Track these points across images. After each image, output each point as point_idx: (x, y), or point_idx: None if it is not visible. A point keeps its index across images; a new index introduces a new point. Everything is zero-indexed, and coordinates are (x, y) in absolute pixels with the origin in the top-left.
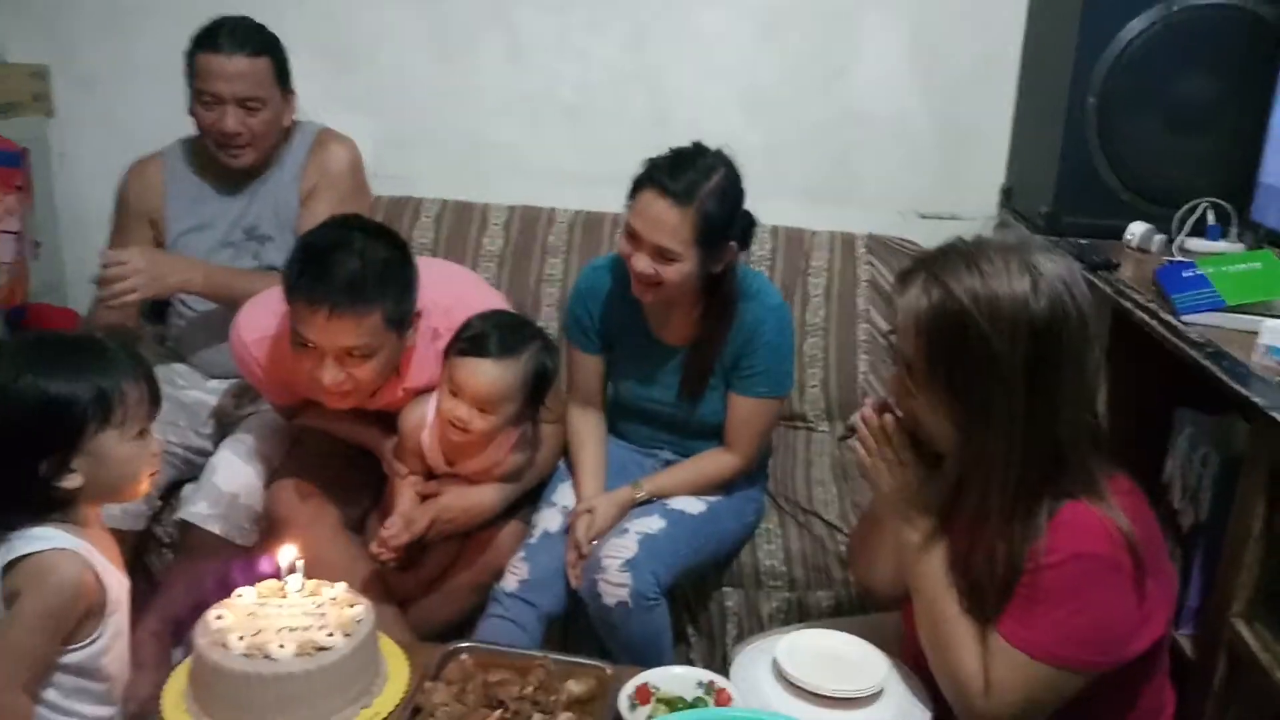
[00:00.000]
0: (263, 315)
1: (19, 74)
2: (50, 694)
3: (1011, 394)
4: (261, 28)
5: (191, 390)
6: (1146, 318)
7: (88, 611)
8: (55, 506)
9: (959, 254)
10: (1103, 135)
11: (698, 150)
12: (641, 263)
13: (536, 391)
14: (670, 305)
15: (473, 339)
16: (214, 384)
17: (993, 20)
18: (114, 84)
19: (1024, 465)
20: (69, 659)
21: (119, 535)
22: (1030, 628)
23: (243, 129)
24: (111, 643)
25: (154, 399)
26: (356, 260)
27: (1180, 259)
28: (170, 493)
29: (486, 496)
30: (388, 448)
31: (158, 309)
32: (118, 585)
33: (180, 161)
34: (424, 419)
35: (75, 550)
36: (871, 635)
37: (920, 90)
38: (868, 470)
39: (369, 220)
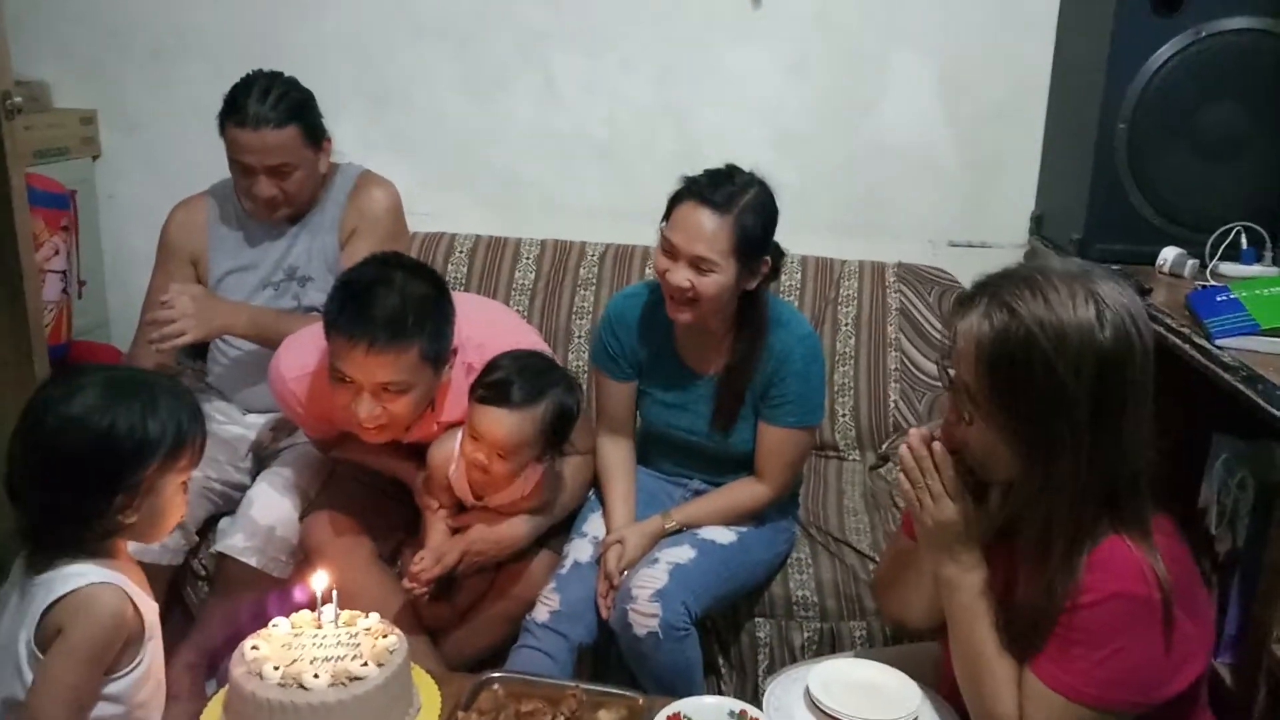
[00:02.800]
0: (302, 352)
1: (69, 119)
2: None
3: (1077, 426)
4: (289, 89)
5: (230, 425)
6: (1180, 342)
7: (128, 641)
8: (94, 544)
9: (1022, 279)
10: (1133, 161)
11: (731, 169)
12: (678, 276)
13: (558, 433)
14: (702, 333)
15: (493, 385)
16: (251, 419)
17: (1021, 51)
18: (158, 127)
19: (1085, 500)
20: (110, 689)
21: (157, 570)
22: (1067, 670)
23: (276, 192)
24: (150, 668)
25: (203, 448)
26: (396, 297)
27: (1214, 284)
28: (207, 527)
29: (516, 529)
30: (420, 481)
31: (198, 347)
32: (152, 610)
33: (224, 203)
34: (451, 454)
35: (113, 583)
36: (905, 665)
37: (949, 121)
38: (912, 501)
39: (408, 258)
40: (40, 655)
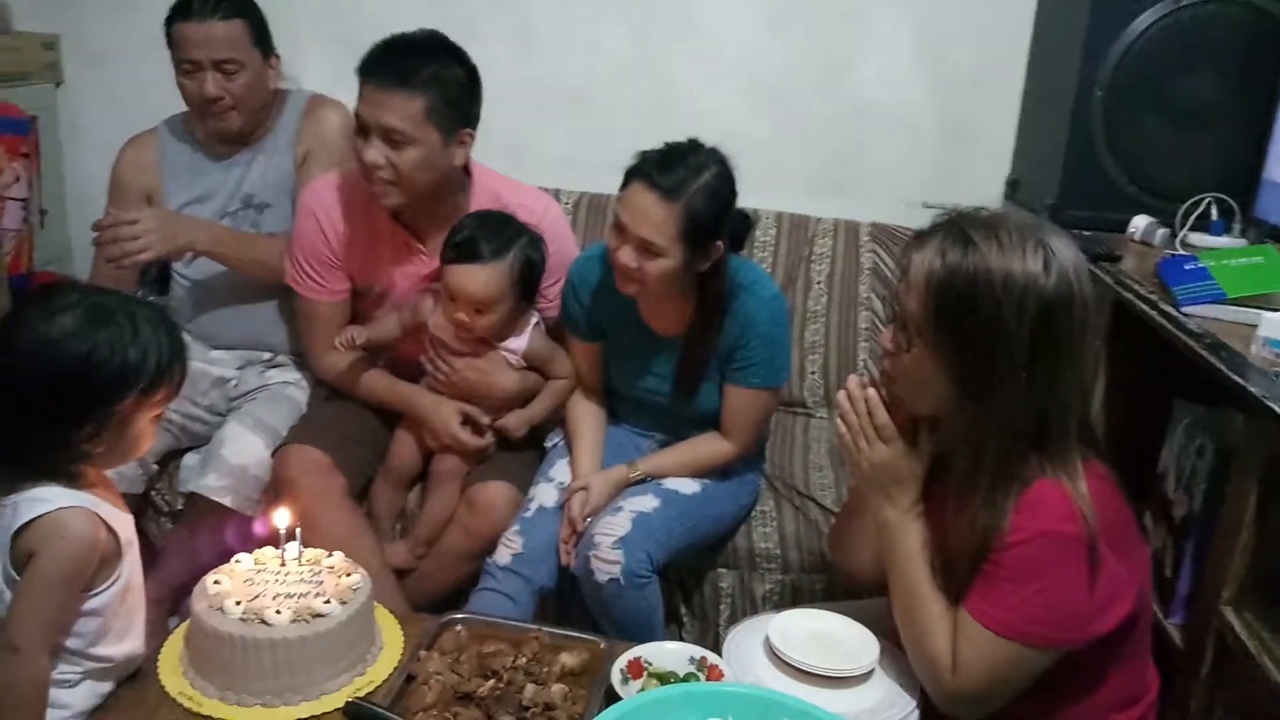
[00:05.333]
0: (327, 184)
1: (30, 43)
2: (74, 643)
3: (1013, 365)
4: None
5: (191, 360)
6: (1147, 309)
7: (103, 560)
8: (62, 469)
9: (981, 222)
10: (1109, 129)
11: (691, 146)
12: (625, 255)
13: (528, 284)
14: (661, 298)
15: (460, 245)
16: (216, 354)
17: (1000, 14)
18: (122, 58)
19: (1013, 438)
20: (91, 604)
21: None
22: (995, 604)
23: (223, 93)
24: (129, 580)
25: (182, 382)
26: (420, 54)
27: (1183, 253)
28: (167, 460)
29: (505, 373)
30: (430, 401)
31: (162, 279)
32: (127, 526)
33: (174, 137)
34: (428, 308)
35: (82, 505)
36: (864, 619)
37: (926, 82)
38: (847, 444)
39: (454, 44)
40: (16, 577)
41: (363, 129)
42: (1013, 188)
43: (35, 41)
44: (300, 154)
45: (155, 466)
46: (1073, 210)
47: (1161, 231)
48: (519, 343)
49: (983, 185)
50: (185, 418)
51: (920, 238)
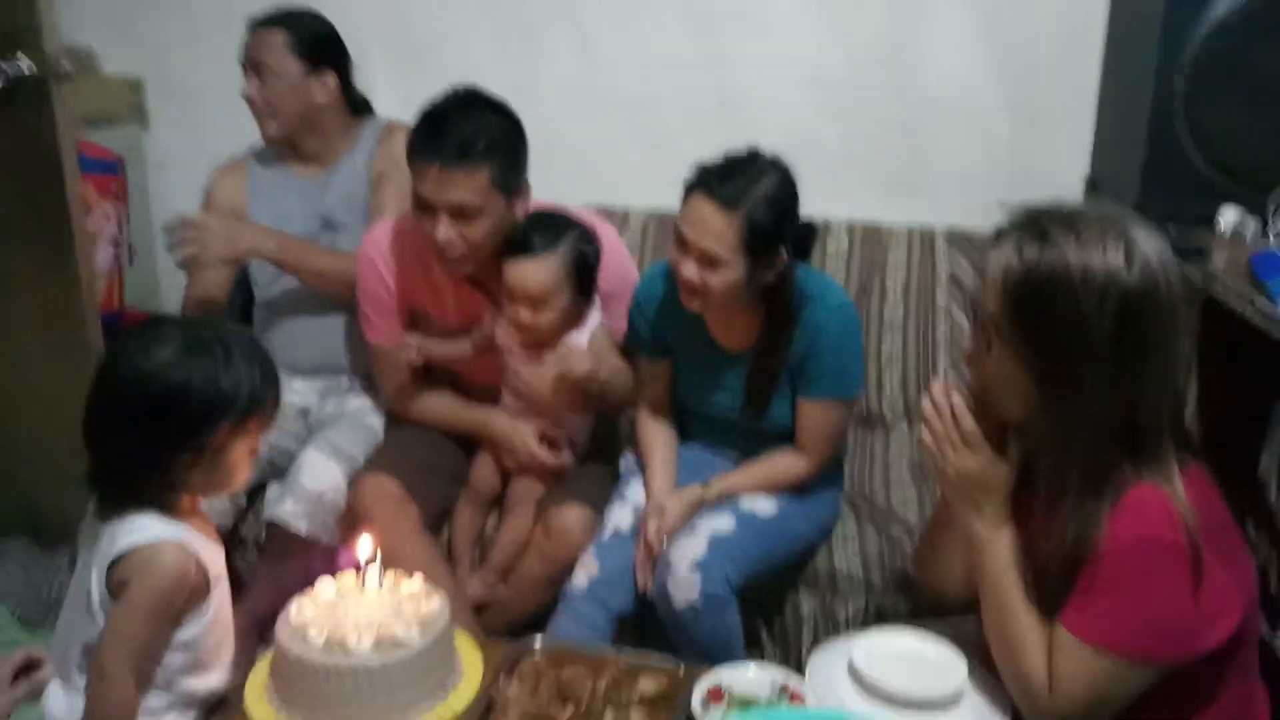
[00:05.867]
0: (384, 232)
1: (117, 86)
2: (162, 674)
3: (1097, 363)
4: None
5: None
6: (1240, 306)
7: (192, 593)
8: (159, 496)
9: (1059, 216)
10: (1191, 118)
11: (750, 155)
12: (688, 269)
13: (582, 277)
14: (726, 312)
15: (514, 242)
16: (299, 384)
17: (1074, 2)
18: (204, 95)
19: (1102, 441)
20: (180, 637)
21: None
22: (1093, 617)
23: (258, 98)
24: (217, 615)
25: (275, 413)
26: (470, 124)
27: (1276, 246)
28: (255, 494)
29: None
30: (506, 421)
31: (244, 310)
32: (217, 561)
33: (261, 163)
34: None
35: (175, 539)
36: (952, 638)
37: (997, 76)
38: (932, 453)
39: (488, 95)
40: (110, 601)
41: (426, 208)
42: (1092, 183)
43: (122, 85)
44: (375, 175)
45: (244, 501)
46: (1157, 204)
47: (1252, 223)
48: (579, 337)
49: (1061, 181)
50: (273, 450)
51: (999, 235)
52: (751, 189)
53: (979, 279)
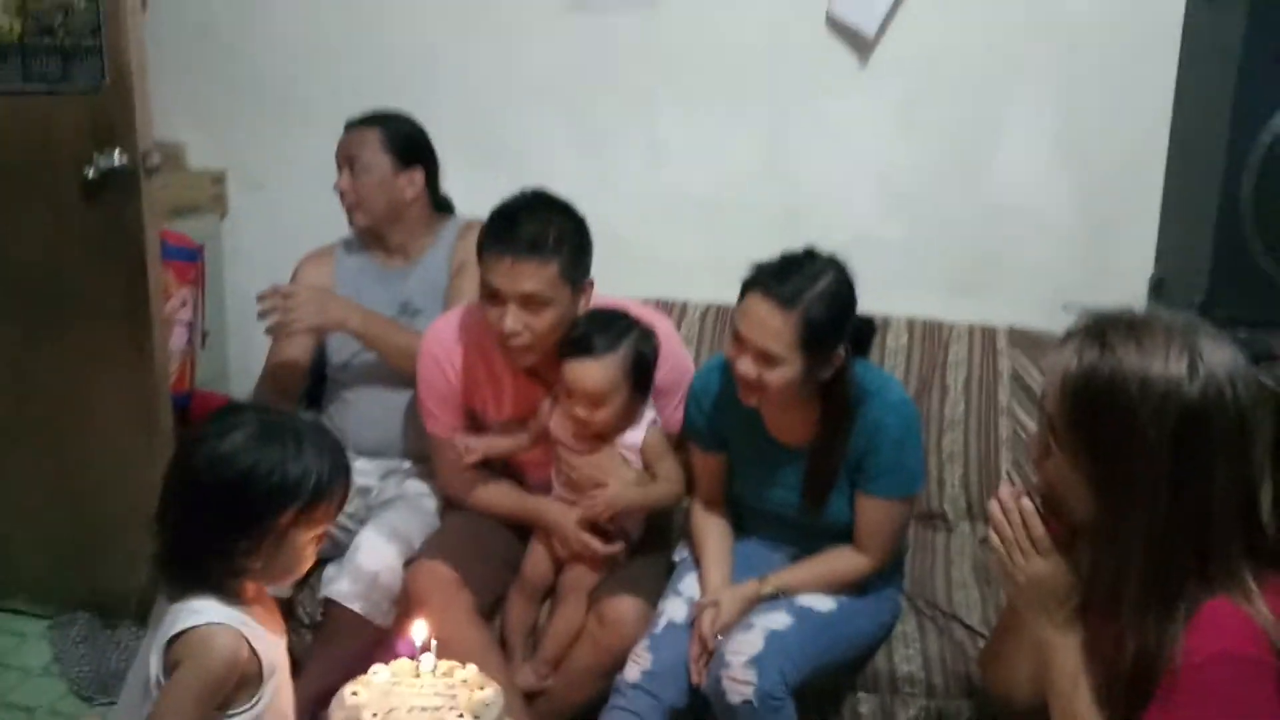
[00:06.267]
0: (452, 319)
1: (202, 180)
2: None
3: (1154, 475)
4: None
5: None
6: None
7: (242, 680)
8: (221, 581)
9: (1124, 322)
10: (1260, 220)
11: (807, 255)
12: (744, 366)
13: (640, 376)
14: (784, 407)
15: (575, 341)
16: (361, 463)
17: (1140, 105)
18: (282, 185)
19: (1164, 552)
20: None
21: None
22: None
23: (349, 190)
24: (272, 702)
25: (343, 504)
26: (541, 220)
27: None
28: (312, 571)
29: (622, 473)
30: (559, 510)
31: (314, 394)
32: (275, 651)
33: (347, 251)
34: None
35: (230, 624)
36: None
37: (1064, 178)
38: (1002, 557)
39: (555, 195)
40: (165, 682)
41: (496, 298)
42: (1157, 287)
43: (206, 178)
44: (455, 266)
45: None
46: (1224, 308)
47: None
48: (635, 435)
49: (1126, 285)
50: (331, 528)
51: (1064, 339)
52: (809, 287)
53: (1044, 379)
